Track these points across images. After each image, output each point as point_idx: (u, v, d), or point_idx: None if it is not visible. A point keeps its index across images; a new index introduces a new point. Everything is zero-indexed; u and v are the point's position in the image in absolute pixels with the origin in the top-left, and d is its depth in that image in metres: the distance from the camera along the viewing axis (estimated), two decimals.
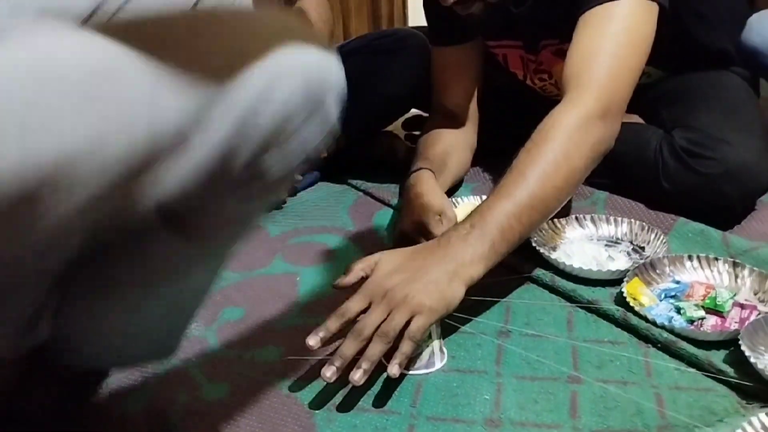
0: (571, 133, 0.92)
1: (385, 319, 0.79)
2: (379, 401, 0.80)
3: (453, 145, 1.28)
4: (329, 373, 0.77)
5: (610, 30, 0.98)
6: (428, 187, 1.13)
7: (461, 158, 1.31)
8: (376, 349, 0.77)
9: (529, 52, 1.28)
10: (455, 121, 1.32)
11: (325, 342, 0.80)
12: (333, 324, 0.80)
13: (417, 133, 1.64)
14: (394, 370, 0.77)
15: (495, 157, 1.44)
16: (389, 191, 1.35)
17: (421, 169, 1.18)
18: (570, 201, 1.16)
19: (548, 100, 1.37)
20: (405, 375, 0.84)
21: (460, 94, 1.32)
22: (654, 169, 1.16)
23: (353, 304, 0.81)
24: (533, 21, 1.18)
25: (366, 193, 1.38)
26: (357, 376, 0.77)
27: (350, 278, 0.86)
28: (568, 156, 0.91)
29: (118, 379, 0.87)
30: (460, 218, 1.19)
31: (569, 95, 0.96)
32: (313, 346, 0.79)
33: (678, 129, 1.17)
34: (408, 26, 2.03)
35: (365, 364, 0.77)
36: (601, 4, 0.99)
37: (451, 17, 1.14)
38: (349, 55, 1.47)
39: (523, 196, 0.88)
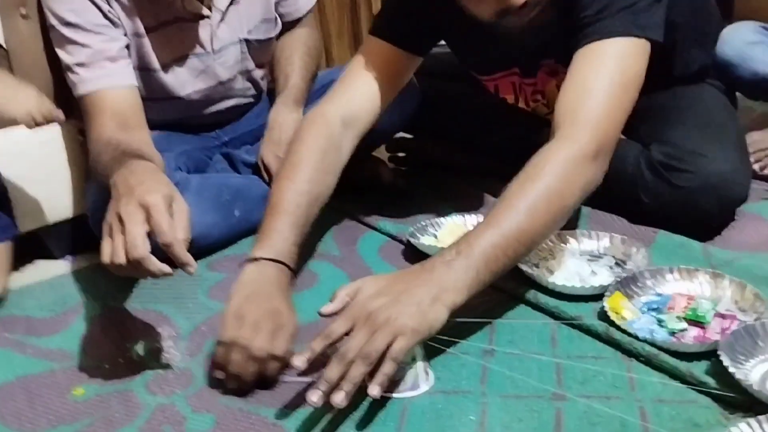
0: (565, 171, 0.92)
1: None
2: (365, 425, 0.80)
3: (326, 169, 1.11)
4: (315, 397, 0.77)
5: (605, 68, 0.99)
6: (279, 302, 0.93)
7: (327, 188, 1.12)
8: (357, 371, 0.77)
9: (526, 76, 1.27)
10: (344, 122, 1.15)
11: (311, 366, 0.81)
12: (318, 345, 0.81)
13: (402, 155, 1.65)
14: (374, 391, 0.78)
15: (482, 176, 1.46)
16: (373, 215, 1.36)
17: (273, 262, 0.97)
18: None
19: (534, 118, 1.38)
20: (390, 398, 0.84)
21: (373, 98, 1.17)
22: (633, 183, 1.18)
23: (337, 327, 0.81)
24: (537, 41, 1.17)
25: (351, 217, 1.39)
26: (339, 398, 0.76)
27: (335, 305, 0.87)
28: (560, 194, 0.91)
29: (103, 417, 0.87)
30: (444, 238, 1.21)
31: (564, 131, 0.96)
32: (300, 366, 0.80)
33: (655, 143, 1.18)
34: None
35: (347, 386, 0.77)
36: (600, 39, 1.00)
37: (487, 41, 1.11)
38: (333, 84, 1.48)
39: (512, 228, 0.88)
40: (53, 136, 1.31)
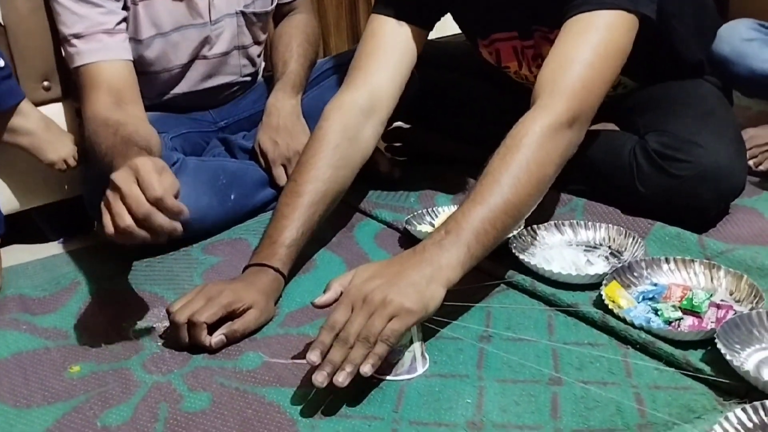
0: (543, 141, 0.93)
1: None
2: (362, 407, 0.81)
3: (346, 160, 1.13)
4: (320, 378, 0.78)
5: (591, 39, 1.00)
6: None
7: (348, 171, 1.14)
8: (358, 353, 0.79)
9: (524, 39, 1.26)
10: (366, 111, 1.15)
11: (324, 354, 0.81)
12: (326, 337, 0.81)
13: (398, 144, 1.65)
14: (365, 368, 0.79)
15: (478, 166, 1.45)
16: (370, 202, 1.36)
17: (269, 268, 1.02)
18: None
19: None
20: (387, 380, 0.84)
21: (392, 79, 1.16)
22: (629, 173, 1.18)
23: (339, 315, 0.82)
24: (526, 4, 1.17)
25: (348, 204, 1.38)
26: (341, 377, 0.78)
27: (329, 296, 0.87)
28: (540, 163, 0.93)
29: (99, 393, 0.86)
30: None
31: (542, 101, 0.97)
32: (315, 361, 0.80)
33: (651, 133, 1.19)
34: None
35: (348, 367, 0.78)
36: (589, 10, 1.00)
37: None
38: (331, 71, 1.48)
39: (498, 202, 0.90)
40: (50, 117, 1.30)
